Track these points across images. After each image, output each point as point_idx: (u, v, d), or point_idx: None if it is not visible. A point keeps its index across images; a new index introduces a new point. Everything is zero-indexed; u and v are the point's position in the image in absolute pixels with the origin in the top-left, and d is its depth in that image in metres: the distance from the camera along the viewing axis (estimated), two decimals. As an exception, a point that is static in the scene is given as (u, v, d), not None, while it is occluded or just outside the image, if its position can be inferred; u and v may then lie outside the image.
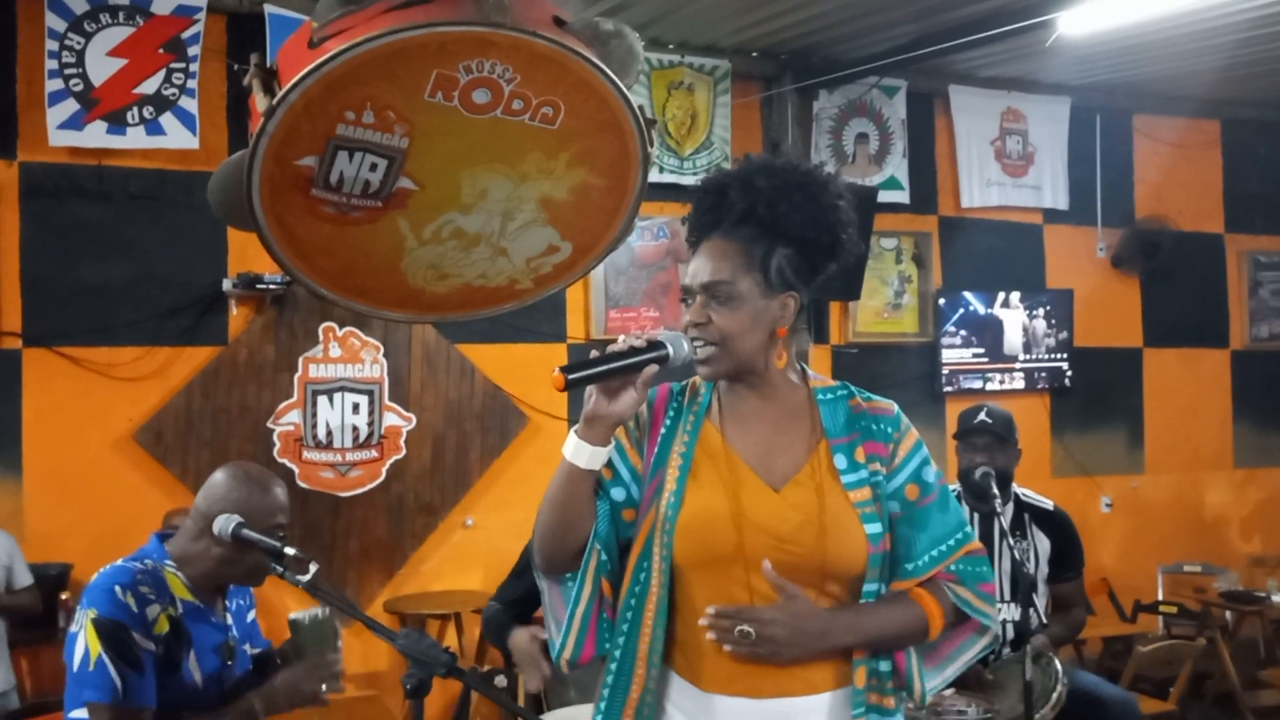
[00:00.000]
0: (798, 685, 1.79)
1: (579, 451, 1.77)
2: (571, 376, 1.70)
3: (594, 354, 1.74)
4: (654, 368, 1.77)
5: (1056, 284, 6.90)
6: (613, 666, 1.84)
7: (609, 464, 1.85)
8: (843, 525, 1.80)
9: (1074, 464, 6.90)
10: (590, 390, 1.76)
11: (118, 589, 2.28)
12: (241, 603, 2.62)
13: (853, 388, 1.94)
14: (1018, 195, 6.76)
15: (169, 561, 2.41)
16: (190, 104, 4.93)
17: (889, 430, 1.89)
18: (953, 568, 1.88)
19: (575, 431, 1.79)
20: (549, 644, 1.92)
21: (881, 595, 1.84)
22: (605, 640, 1.87)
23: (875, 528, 1.81)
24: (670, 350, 1.78)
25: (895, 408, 1.93)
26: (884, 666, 1.84)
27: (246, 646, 2.60)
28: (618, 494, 1.87)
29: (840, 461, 1.85)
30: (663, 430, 1.90)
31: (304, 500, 5.18)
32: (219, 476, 2.45)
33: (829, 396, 1.92)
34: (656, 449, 1.89)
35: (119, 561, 2.39)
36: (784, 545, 1.78)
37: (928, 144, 6.60)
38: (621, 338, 1.78)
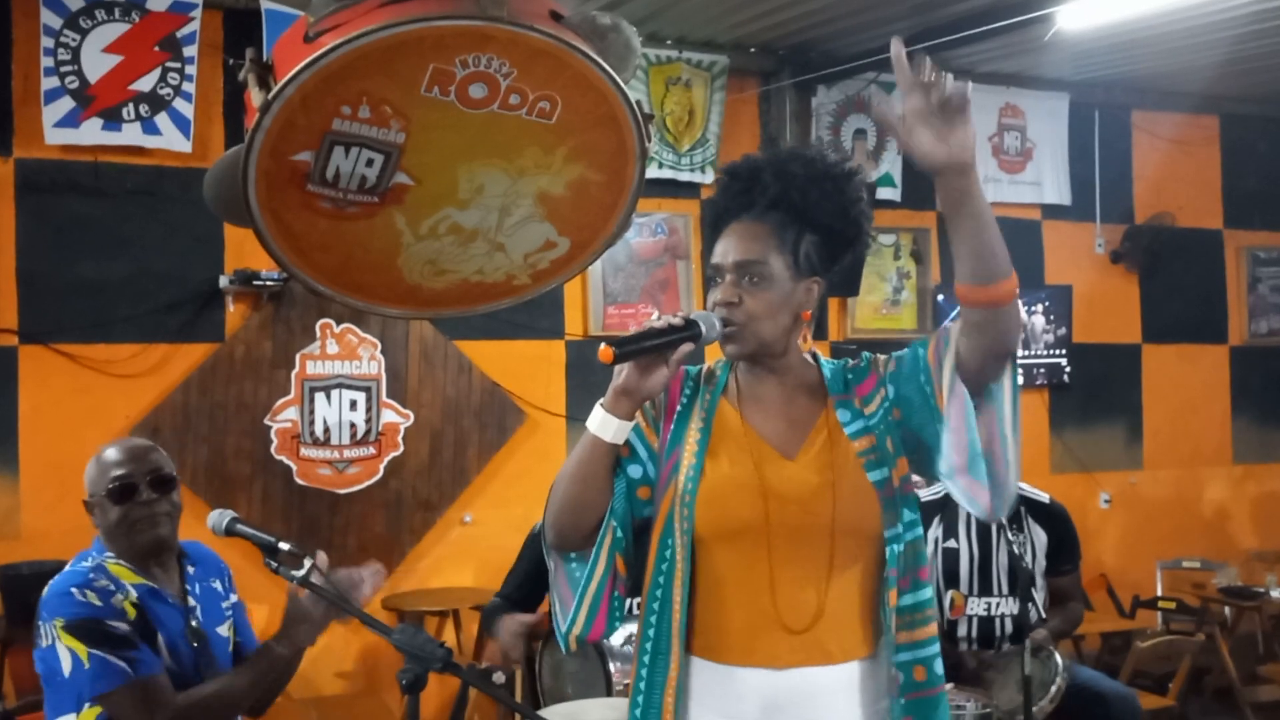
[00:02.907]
0: (816, 655, 1.81)
1: (605, 425, 1.80)
2: (621, 351, 1.72)
3: (633, 329, 1.77)
4: (688, 346, 1.80)
5: (1055, 280, 6.89)
6: (648, 647, 1.86)
7: (626, 441, 1.87)
8: (851, 480, 1.82)
9: (1073, 460, 6.90)
10: (621, 366, 1.78)
11: (74, 591, 2.32)
12: (212, 585, 2.60)
13: (850, 361, 1.98)
14: (1014, 192, 6.74)
15: (109, 554, 2.45)
16: (185, 106, 4.92)
17: (867, 367, 1.93)
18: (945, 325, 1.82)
19: (601, 405, 1.81)
20: (554, 622, 1.93)
21: None
22: (616, 619, 1.89)
23: (878, 474, 1.83)
24: (703, 328, 1.81)
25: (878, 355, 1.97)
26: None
27: (224, 630, 2.56)
28: (634, 471, 1.90)
29: (843, 415, 1.88)
30: (678, 409, 1.93)
31: (302, 497, 5.18)
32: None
33: (833, 367, 1.96)
34: (673, 427, 1.92)
35: (66, 569, 2.42)
36: (806, 509, 1.81)
37: (926, 140, 6.59)
38: (655, 314, 1.81)
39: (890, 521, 1.82)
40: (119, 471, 2.44)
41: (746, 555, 1.82)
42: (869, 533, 1.83)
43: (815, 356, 1.99)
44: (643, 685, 1.86)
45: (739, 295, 1.85)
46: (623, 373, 1.78)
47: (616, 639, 3.23)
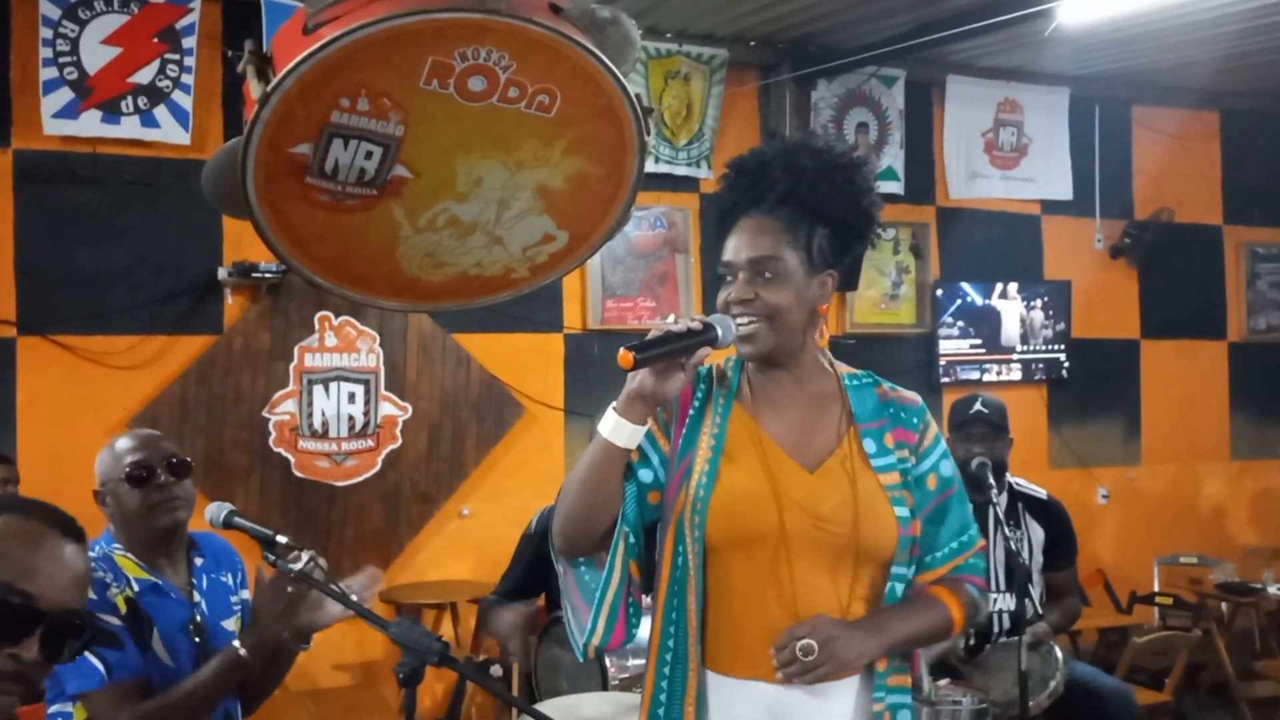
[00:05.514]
0: None
1: (619, 430, 1.76)
2: (641, 356, 1.70)
3: (652, 334, 1.74)
4: (705, 350, 1.77)
5: (1054, 275, 6.89)
6: (666, 657, 1.84)
7: (637, 445, 1.83)
8: (875, 507, 1.82)
9: (1071, 455, 6.90)
10: (636, 370, 1.75)
11: None
12: (222, 579, 2.58)
13: (877, 376, 1.96)
14: (1005, 188, 6.73)
15: (116, 545, 2.45)
16: (184, 98, 4.91)
17: (915, 420, 1.91)
18: (971, 561, 1.92)
19: (614, 410, 1.77)
20: (568, 631, 1.91)
21: (905, 596, 1.86)
22: (634, 626, 1.87)
23: (903, 511, 1.83)
24: (719, 331, 1.79)
25: (920, 400, 1.96)
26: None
27: (231, 624, 2.54)
28: (645, 475, 1.87)
29: (870, 446, 1.86)
30: (690, 413, 1.90)
31: (299, 489, 5.17)
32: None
33: (856, 383, 1.94)
34: (684, 431, 1.88)
35: None
36: (822, 524, 1.79)
37: (926, 134, 6.58)
38: (671, 317, 1.80)
39: (901, 559, 1.83)
40: (135, 457, 2.45)
41: (760, 565, 1.80)
42: (882, 560, 1.83)
43: (830, 361, 1.97)
44: (663, 697, 1.84)
45: (754, 292, 1.83)
46: (638, 377, 1.74)
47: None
